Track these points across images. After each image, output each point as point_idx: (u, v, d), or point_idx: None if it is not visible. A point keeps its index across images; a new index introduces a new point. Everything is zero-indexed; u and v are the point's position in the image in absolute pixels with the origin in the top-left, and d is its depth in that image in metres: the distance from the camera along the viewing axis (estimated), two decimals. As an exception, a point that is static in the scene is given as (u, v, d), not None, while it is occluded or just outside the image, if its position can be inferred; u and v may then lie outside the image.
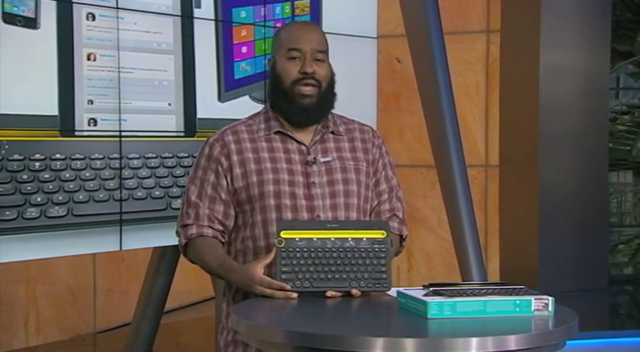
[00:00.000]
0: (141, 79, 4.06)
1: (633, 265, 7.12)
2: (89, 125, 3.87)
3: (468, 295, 2.13)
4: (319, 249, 2.37)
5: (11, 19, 3.60)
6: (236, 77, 4.44)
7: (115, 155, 3.96)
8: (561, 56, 6.19)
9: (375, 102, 5.22)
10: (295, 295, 2.33)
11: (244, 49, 4.47)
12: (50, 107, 3.75)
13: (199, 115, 4.29)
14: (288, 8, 4.66)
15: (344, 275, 2.36)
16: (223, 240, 2.62)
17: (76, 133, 3.83)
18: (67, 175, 3.78)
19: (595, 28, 6.25)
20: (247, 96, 4.48)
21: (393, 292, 2.34)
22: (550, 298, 2.15)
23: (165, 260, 4.69)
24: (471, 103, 6.59)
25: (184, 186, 4.10)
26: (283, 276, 2.34)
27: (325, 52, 2.60)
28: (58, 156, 3.76)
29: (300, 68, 2.56)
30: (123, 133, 3.99)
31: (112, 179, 3.94)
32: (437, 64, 4.95)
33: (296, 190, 2.56)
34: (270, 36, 4.51)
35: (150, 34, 4.10)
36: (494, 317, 2.11)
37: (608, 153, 6.47)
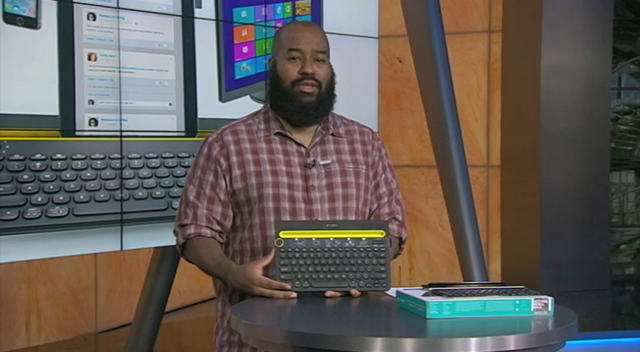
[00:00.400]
0: (142, 79, 4.06)
1: (635, 265, 7.11)
2: (90, 125, 3.87)
3: (467, 295, 2.13)
4: (318, 249, 2.37)
5: (12, 19, 3.60)
6: (237, 77, 4.43)
7: (116, 155, 3.96)
8: (563, 56, 6.19)
9: (376, 102, 5.22)
10: (295, 295, 2.33)
11: (245, 49, 4.47)
12: (51, 107, 3.75)
13: (200, 115, 4.28)
14: (289, 8, 4.66)
15: (343, 276, 2.36)
16: (221, 241, 2.62)
17: (77, 133, 3.83)
18: (68, 175, 3.78)
19: (597, 28, 6.25)
20: (248, 96, 4.48)
21: (392, 292, 2.34)
22: (550, 298, 2.15)
23: (166, 260, 4.69)
24: (472, 103, 6.59)
25: (185, 186, 4.10)
26: (283, 276, 2.34)
27: (326, 52, 2.60)
28: (58, 156, 3.76)
29: (300, 68, 2.56)
30: (124, 133, 3.98)
31: (112, 179, 3.93)
32: (438, 64, 4.94)
33: (295, 193, 2.55)
34: (271, 36, 4.51)
35: (151, 34, 4.09)
36: (494, 317, 2.10)
37: (610, 153, 6.47)
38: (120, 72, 3.97)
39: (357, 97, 4.82)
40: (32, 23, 3.67)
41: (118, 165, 3.96)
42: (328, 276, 2.35)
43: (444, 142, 4.92)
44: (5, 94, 3.58)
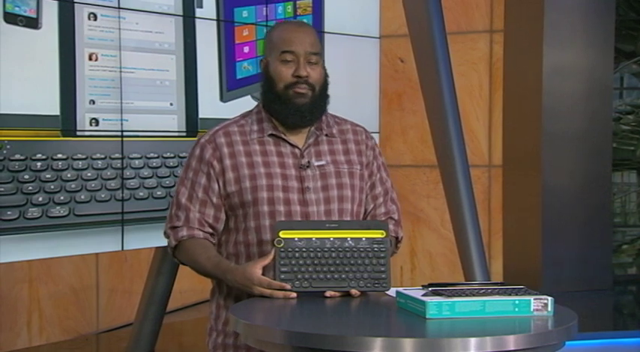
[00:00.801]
0: (142, 79, 4.05)
1: (637, 265, 7.11)
2: (91, 125, 3.87)
3: (466, 295, 2.13)
4: (318, 249, 2.37)
5: (13, 19, 3.60)
6: (238, 77, 4.43)
7: (117, 155, 3.96)
8: (565, 56, 6.19)
9: (378, 102, 5.22)
10: (294, 295, 2.33)
11: (246, 49, 4.46)
12: (52, 107, 3.74)
13: (201, 115, 4.28)
14: (290, 8, 4.66)
15: (343, 276, 2.35)
16: (213, 242, 2.61)
17: (78, 133, 3.83)
18: (69, 175, 3.78)
19: (599, 28, 6.24)
20: (249, 96, 4.47)
21: (392, 292, 2.34)
22: (549, 298, 2.14)
23: (167, 260, 4.68)
24: (474, 103, 6.58)
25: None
26: (282, 276, 2.34)
27: (319, 53, 2.57)
28: (59, 156, 3.76)
29: (293, 71, 2.53)
30: (124, 133, 3.98)
31: (113, 179, 3.93)
32: (440, 64, 4.93)
33: (290, 196, 2.54)
34: (272, 36, 4.51)
35: (152, 33, 4.09)
36: (493, 317, 2.10)
37: (612, 153, 6.46)
38: (121, 72, 3.97)
39: (358, 97, 4.82)
40: (33, 23, 3.67)
41: (118, 165, 3.96)
42: (328, 276, 2.35)
43: (445, 142, 4.91)
44: (6, 94, 3.58)
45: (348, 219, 2.59)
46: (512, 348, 1.95)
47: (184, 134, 4.22)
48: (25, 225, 3.63)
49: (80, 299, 5.65)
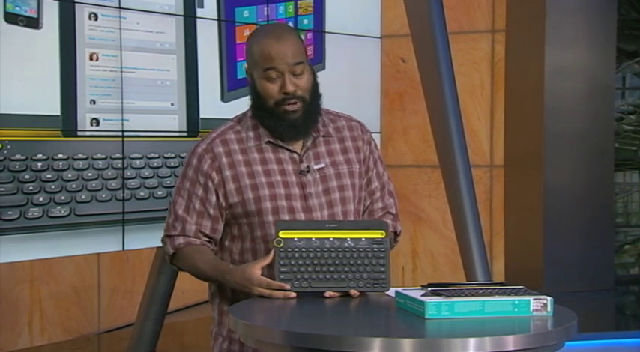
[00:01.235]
0: (143, 79, 4.06)
1: (639, 265, 7.09)
2: (91, 125, 3.88)
3: (466, 295, 2.13)
4: (318, 249, 2.37)
5: (13, 18, 3.60)
6: (239, 77, 4.43)
7: (118, 155, 3.96)
8: (567, 56, 6.18)
9: (379, 102, 5.22)
10: (294, 294, 2.32)
11: (247, 49, 4.46)
12: (52, 107, 3.75)
13: (202, 115, 4.28)
14: (291, 8, 4.66)
15: (342, 276, 2.35)
16: (212, 248, 2.60)
17: (79, 133, 3.84)
18: (70, 175, 3.78)
19: (601, 28, 6.23)
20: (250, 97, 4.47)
21: (391, 292, 2.34)
22: (549, 298, 2.14)
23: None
24: (475, 103, 6.57)
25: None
26: (282, 276, 2.34)
27: (302, 62, 2.52)
28: (60, 156, 3.76)
29: (280, 88, 2.49)
30: (125, 133, 3.98)
31: (114, 179, 3.94)
32: (441, 64, 4.93)
33: (293, 204, 2.53)
34: (273, 36, 4.50)
35: (152, 33, 4.09)
36: (493, 317, 2.10)
37: (614, 153, 6.45)
38: (122, 72, 3.97)
39: (359, 97, 4.82)
40: (34, 23, 3.67)
41: (119, 165, 3.96)
42: (327, 276, 2.35)
43: (447, 142, 4.91)
44: (7, 94, 3.59)
45: (352, 218, 2.58)
46: (511, 348, 1.95)
47: (185, 134, 4.22)
48: (26, 225, 3.63)
49: (82, 299, 5.65)
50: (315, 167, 2.57)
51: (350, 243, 2.38)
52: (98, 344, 5.58)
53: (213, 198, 2.54)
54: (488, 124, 6.58)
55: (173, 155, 4.15)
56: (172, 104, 4.19)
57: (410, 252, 6.64)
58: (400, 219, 2.74)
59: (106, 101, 3.92)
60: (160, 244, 3.83)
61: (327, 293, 2.34)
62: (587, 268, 6.21)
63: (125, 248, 4.01)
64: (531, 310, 2.13)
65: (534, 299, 2.13)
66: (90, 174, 3.85)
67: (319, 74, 2.64)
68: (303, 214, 2.53)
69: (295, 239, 2.37)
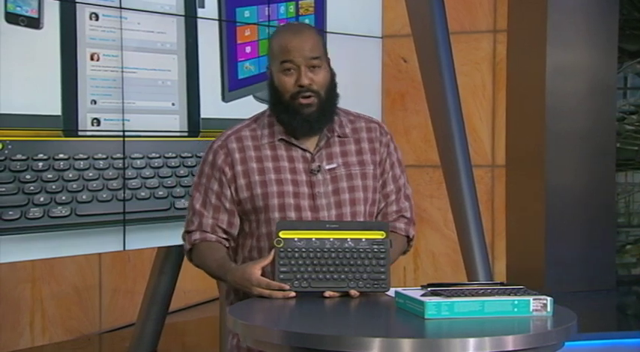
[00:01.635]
0: (144, 79, 4.06)
1: (641, 266, 7.09)
2: (92, 125, 3.88)
3: (465, 295, 2.12)
4: (318, 250, 2.37)
5: (14, 18, 3.60)
6: (240, 77, 4.43)
7: (119, 155, 3.96)
8: (568, 56, 6.17)
9: (380, 102, 5.21)
10: (293, 294, 2.32)
11: (248, 49, 4.46)
12: (53, 107, 3.75)
13: (203, 115, 4.28)
14: (292, 8, 4.66)
15: (342, 276, 2.35)
16: (227, 245, 2.61)
17: (79, 133, 3.83)
18: (71, 175, 3.78)
19: (602, 28, 6.23)
20: (251, 96, 4.47)
21: (391, 292, 2.34)
22: (548, 298, 2.14)
23: (169, 260, 4.69)
24: (477, 103, 6.57)
25: (188, 186, 4.10)
26: (282, 276, 2.34)
27: (320, 57, 2.53)
28: (61, 156, 3.76)
29: (295, 80, 2.51)
30: (126, 133, 3.98)
31: (115, 179, 3.94)
32: (443, 64, 4.93)
33: (301, 202, 2.53)
34: (274, 36, 4.50)
35: (153, 33, 4.09)
36: (492, 317, 2.10)
37: (616, 153, 6.44)
38: (122, 72, 3.97)
39: (361, 97, 4.81)
40: (34, 23, 3.67)
41: (120, 165, 3.96)
42: (327, 277, 2.35)
43: (448, 142, 4.91)
44: (8, 94, 3.59)
45: (362, 220, 2.57)
46: (510, 348, 1.95)
47: (186, 134, 4.22)
48: (27, 225, 3.63)
49: (83, 299, 5.65)
50: (327, 167, 2.56)
51: (350, 243, 2.38)
52: (99, 344, 5.58)
53: (229, 192, 2.57)
54: (490, 124, 6.58)
55: (174, 155, 4.15)
56: (173, 104, 4.19)
57: (411, 251, 6.61)
58: (415, 223, 2.72)
59: (106, 101, 3.92)
60: (161, 244, 3.86)
61: (327, 294, 2.34)
62: (588, 268, 6.21)
63: (126, 248, 4.00)
64: (531, 310, 2.12)
65: (534, 299, 2.13)
66: (91, 174, 3.85)
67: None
68: (310, 213, 2.53)
69: (295, 239, 2.37)
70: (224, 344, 4.35)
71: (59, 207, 3.73)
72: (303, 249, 2.36)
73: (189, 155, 4.20)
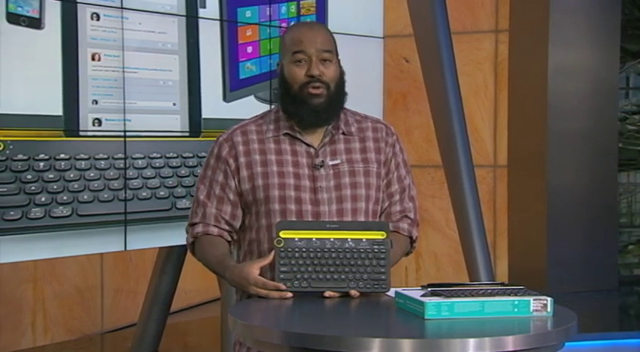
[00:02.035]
0: (145, 79, 4.06)
1: (643, 266, 7.08)
2: (94, 125, 3.88)
3: (465, 295, 2.12)
4: (318, 250, 2.36)
5: (15, 19, 3.60)
6: (241, 77, 4.43)
7: (120, 155, 3.96)
8: (570, 56, 6.17)
9: (382, 102, 5.21)
10: (290, 294, 2.32)
11: (249, 49, 4.46)
12: (54, 107, 3.75)
13: (204, 115, 4.28)
14: (293, 8, 4.65)
15: (343, 276, 2.35)
16: (229, 239, 2.62)
17: (81, 133, 3.84)
18: (72, 175, 3.79)
19: (604, 28, 6.23)
20: (252, 97, 4.47)
21: (391, 292, 2.33)
22: (549, 299, 2.13)
23: (171, 260, 4.69)
24: (479, 103, 6.57)
25: (189, 187, 4.10)
26: (282, 276, 2.33)
27: (331, 51, 2.56)
28: (62, 156, 3.76)
29: (306, 71, 2.53)
30: (127, 133, 3.99)
31: (116, 179, 3.94)
32: (445, 64, 4.94)
33: (302, 195, 2.53)
34: (275, 36, 4.51)
35: (154, 33, 4.09)
36: (493, 317, 2.09)
37: (618, 153, 6.44)
38: (124, 72, 3.97)
39: (362, 97, 4.78)
40: (36, 23, 3.67)
41: (121, 165, 3.96)
42: (327, 277, 2.34)
43: (450, 142, 4.91)
44: (9, 94, 3.59)
45: (363, 218, 2.57)
46: (511, 349, 1.94)
47: (187, 134, 4.22)
48: (28, 225, 3.63)
49: (85, 299, 5.65)
50: (330, 163, 2.58)
51: (351, 243, 2.38)
52: (101, 344, 5.58)
53: (233, 184, 2.58)
54: (492, 124, 6.58)
55: (175, 155, 4.15)
56: (174, 104, 4.19)
57: (413, 251, 6.63)
58: (419, 224, 2.72)
59: (108, 101, 3.92)
60: (162, 244, 3.86)
61: (327, 294, 2.33)
62: (590, 268, 6.21)
63: (127, 248, 4.01)
64: (531, 310, 2.12)
65: (534, 299, 2.12)
66: (92, 175, 3.85)
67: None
68: (311, 206, 2.53)
69: (296, 239, 2.37)
70: (225, 345, 4.36)
71: (60, 207, 3.73)
72: (304, 249, 2.36)
73: (191, 155, 4.20)
